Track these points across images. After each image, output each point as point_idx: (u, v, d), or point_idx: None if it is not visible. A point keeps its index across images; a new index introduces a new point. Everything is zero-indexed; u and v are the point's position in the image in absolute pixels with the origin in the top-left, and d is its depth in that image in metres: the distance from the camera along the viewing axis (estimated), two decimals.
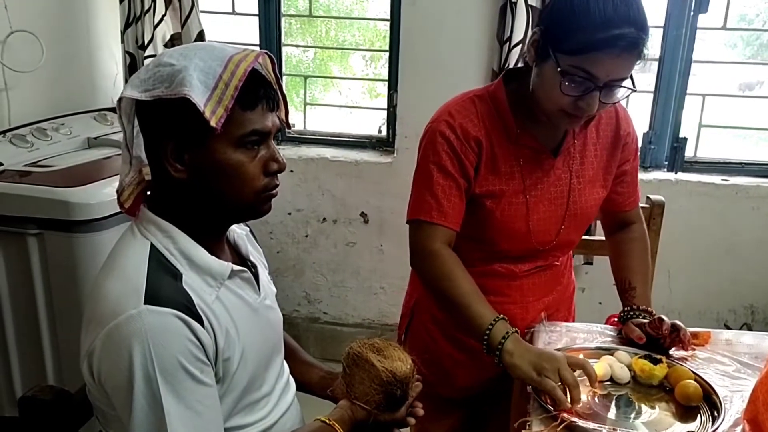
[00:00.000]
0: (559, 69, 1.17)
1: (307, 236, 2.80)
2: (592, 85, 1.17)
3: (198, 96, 0.90)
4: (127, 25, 2.51)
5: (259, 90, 0.97)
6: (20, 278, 1.77)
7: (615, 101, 1.23)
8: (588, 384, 1.18)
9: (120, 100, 0.97)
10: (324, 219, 2.76)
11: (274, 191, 1.03)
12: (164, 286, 0.93)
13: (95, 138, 2.16)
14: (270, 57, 1.03)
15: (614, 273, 1.53)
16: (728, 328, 2.59)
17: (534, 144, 1.34)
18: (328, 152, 2.70)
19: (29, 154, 1.96)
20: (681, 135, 2.51)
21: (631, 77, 1.19)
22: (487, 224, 1.37)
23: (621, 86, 1.19)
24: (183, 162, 0.95)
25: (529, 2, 2.25)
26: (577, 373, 1.17)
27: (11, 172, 1.83)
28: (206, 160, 0.95)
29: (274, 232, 2.80)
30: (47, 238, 1.72)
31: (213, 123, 0.91)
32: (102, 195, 1.72)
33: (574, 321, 1.58)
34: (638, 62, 1.18)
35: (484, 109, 1.34)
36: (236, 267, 1.04)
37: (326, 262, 2.82)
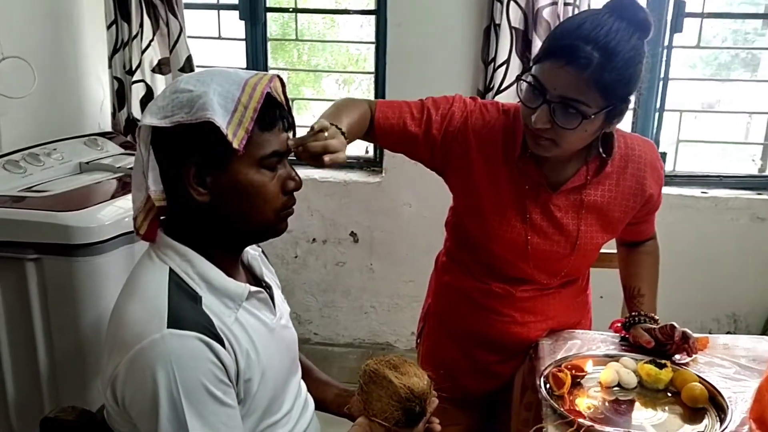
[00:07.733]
0: (522, 77, 1.21)
1: (296, 257, 2.81)
2: (541, 98, 1.17)
3: (220, 119, 0.92)
4: (114, 51, 2.51)
5: (275, 111, 1.00)
6: (17, 304, 1.74)
7: (569, 126, 1.16)
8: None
9: (139, 127, 0.99)
10: (314, 239, 2.77)
11: (291, 209, 1.06)
12: (185, 309, 0.94)
13: (87, 163, 2.15)
14: (281, 80, 1.06)
15: (623, 280, 1.56)
16: None
17: (532, 173, 1.32)
18: (317, 173, 2.70)
19: (23, 179, 1.94)
20: (660, 150, 2.58)
21: (587, 105, 1.14)
22: (481, 249, 1.39)
23: (573, 108, 1.14)
24: (205, 185, 0.97)
25: (513, 24, 2.31)
26: (589, 378, 1.21)
27: (6, 198, 1.80)
28: (229, 181, 0.97)
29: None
30: (46, 262, 1.69)
31: (235, 145, 0.93)
32: (101, 218, 1.70)
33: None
34: (594, 88, 1.12)
35: (502, 122, 1.35)
36: (253, 288, 1.05)
37: (316, 283, 2.83)
